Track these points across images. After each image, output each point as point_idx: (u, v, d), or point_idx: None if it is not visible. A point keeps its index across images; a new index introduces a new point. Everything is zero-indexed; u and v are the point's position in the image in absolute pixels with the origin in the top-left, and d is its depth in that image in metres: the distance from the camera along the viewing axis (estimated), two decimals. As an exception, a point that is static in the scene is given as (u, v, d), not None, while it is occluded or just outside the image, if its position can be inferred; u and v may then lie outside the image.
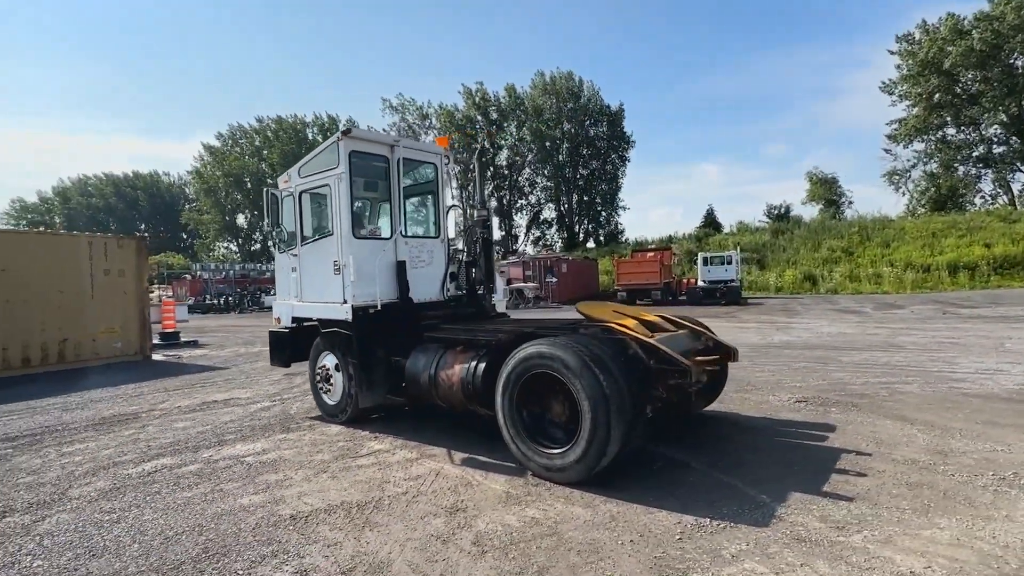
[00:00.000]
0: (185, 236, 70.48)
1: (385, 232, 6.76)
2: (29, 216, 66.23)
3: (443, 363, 5.46)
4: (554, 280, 31.97)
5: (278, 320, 7.25)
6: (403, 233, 6.62)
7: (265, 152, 59.01)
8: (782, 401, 6.79)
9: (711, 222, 51.58)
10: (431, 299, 6.92)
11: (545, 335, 4.77)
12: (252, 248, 65.60)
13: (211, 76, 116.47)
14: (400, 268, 6.49)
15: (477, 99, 55.54)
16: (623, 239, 56.36)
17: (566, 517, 3.75)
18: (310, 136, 61.16)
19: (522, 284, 31.56)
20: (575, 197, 59.11)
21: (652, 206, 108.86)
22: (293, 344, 6.97)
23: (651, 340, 4.69)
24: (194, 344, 15.97)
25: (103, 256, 12.32)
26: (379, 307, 6.15)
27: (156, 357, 13.37)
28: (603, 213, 59.95)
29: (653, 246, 36.87)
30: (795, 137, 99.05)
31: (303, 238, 6.74)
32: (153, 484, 4.64)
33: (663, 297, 28.30)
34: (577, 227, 59.70)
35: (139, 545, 3.52)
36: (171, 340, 16.19)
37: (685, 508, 3.79)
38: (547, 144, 55.72)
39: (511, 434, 4.67)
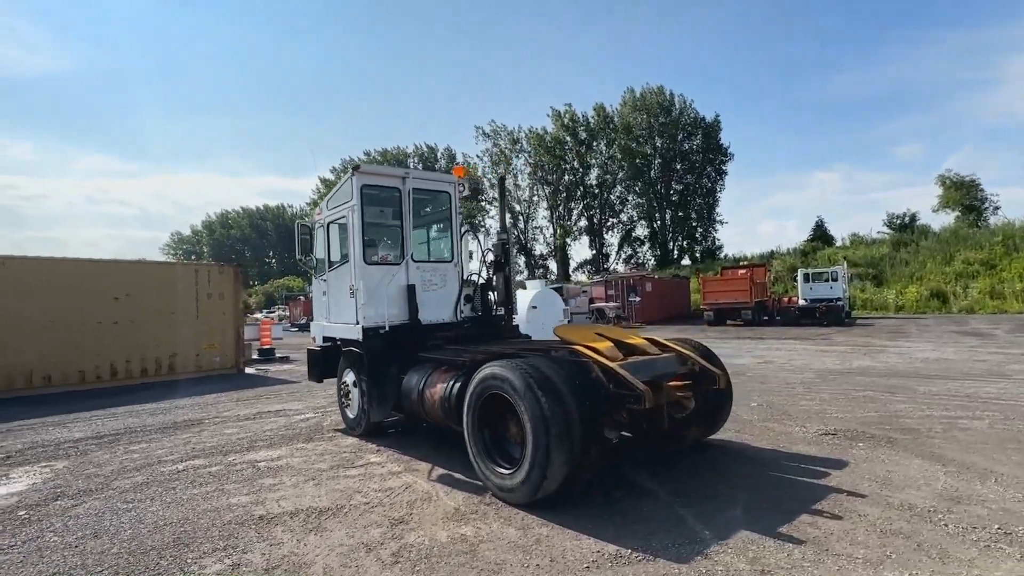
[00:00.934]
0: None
1: (393, 258, 7.25)
2: (184, 247, 77.68)
3: (429, 382, 5.76)
4: (637, 299, 31.16)
5: (314, 339, 8.02)
6: (413, 258, 7.07)
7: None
8: (807, 433, 6.25)
9: (821, 235, 47.45)
10: (444, 320, 7.28)
11: (513, 357, 4.90)
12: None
13: (324, 118, 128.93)
14: (410, 291, 6.94)
15: (566, 120, 56.19)
16: (721, 255, 53.58)
17: (493, 537, 3.84)
18: (411, 165, 65.34)
19: (603, 304, 31.15)
20: (669, 213, 57.34)
21: (760, 219, 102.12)
22: (325, 362, 7.65)
23: (610, 363, 4.64)
24: (285, 359, 17.74)
25: (207, 282, 14.23)
26: (387, 328, 6.61)
27: (248, 370, 15.07)
28: (699, 229, 57.48)
29: (746, 263, 34.65)
30: (932, 136, 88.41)
31: (330, 264, 7.45)
32: (176, 481, 5.39)
33: (755, 317, 26.50)
34: (671, 244, 57.74)
35: (132, 531, 4.16)
36: (267, 355, 18.12)
37: (617, 538, 3.72)
38: (638, 161, 54.81)
39: (473, 452, 4.83)
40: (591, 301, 32.75)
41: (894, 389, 8.70)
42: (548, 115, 58.10)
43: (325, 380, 7.93)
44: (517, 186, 62.42)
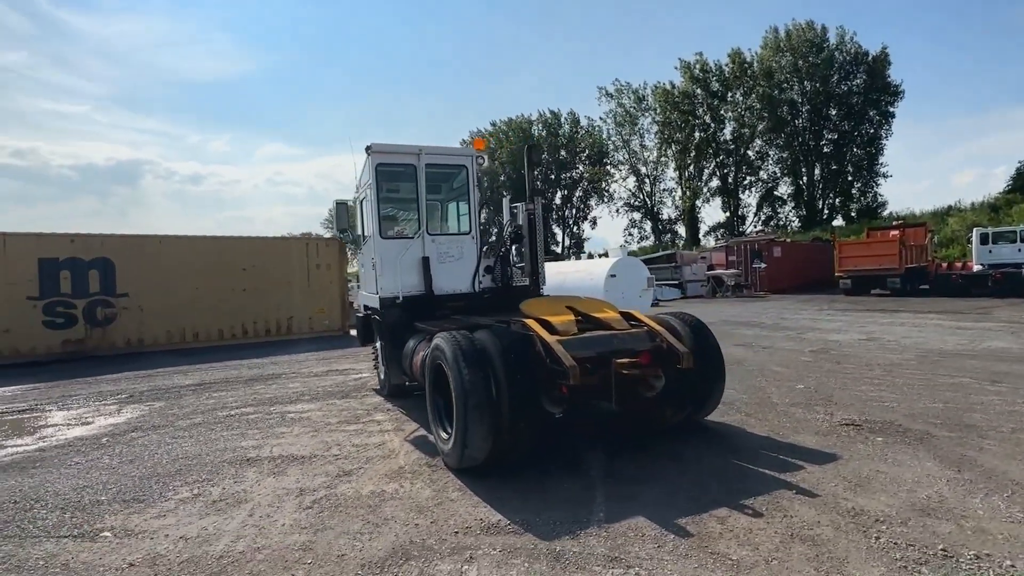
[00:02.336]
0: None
1: (411, 232, 7.64)
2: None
3: (416, 349, 6.15)
4: (762, 266, 28.49)
5: (361, 307, 8.86)
6: (429, 231, 7.43)
7: (496, 153, 65.48)
8: (828, 422, 5.54)
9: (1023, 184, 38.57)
10: (461, 291, 7.58)
11: (465, 328, 5.06)
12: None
13: (453, 92, 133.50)
14: (424, 263, 7.33)
15: (696, 71, 51.90)
16: (884, 213, 46.25)
17: (406, 496, 4.15)
18: (535, 133, 65.58)
19: (722, 271, 29.00)
20: (818, 168, 50.68)
21: (953, 168, 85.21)
22: (366, 327, 8.44)
23: (548, 338, 4.59)
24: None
25: (315, 254, 16.15)
26: (401, 298, 7.11)
27: (353, 332, 16.92)
28: (856, 184, 50.04)
29: (899, 221, 29.56)
30: None
31: (363, 239, 8.12)
32: (219, 424, 6.51)
33: (903, 286, 22.78)
34: (820, 202, 51.17)
35: (155, 461, 5.21)
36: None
37: (511, 510, 3.81)
38: (781, 110, 48.95)
39: (429, 417, 5.14)
40: (710, 268, 30.69)
41: (1003, 377, 7.17)
42: (676, 67, 54.17)
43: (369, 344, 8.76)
44: (643, 147, 59.69)
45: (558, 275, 17.02)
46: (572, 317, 5.25)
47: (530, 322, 4.96)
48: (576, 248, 70.19)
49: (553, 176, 66.57)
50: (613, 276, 15.05)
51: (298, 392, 8.19)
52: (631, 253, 18.64)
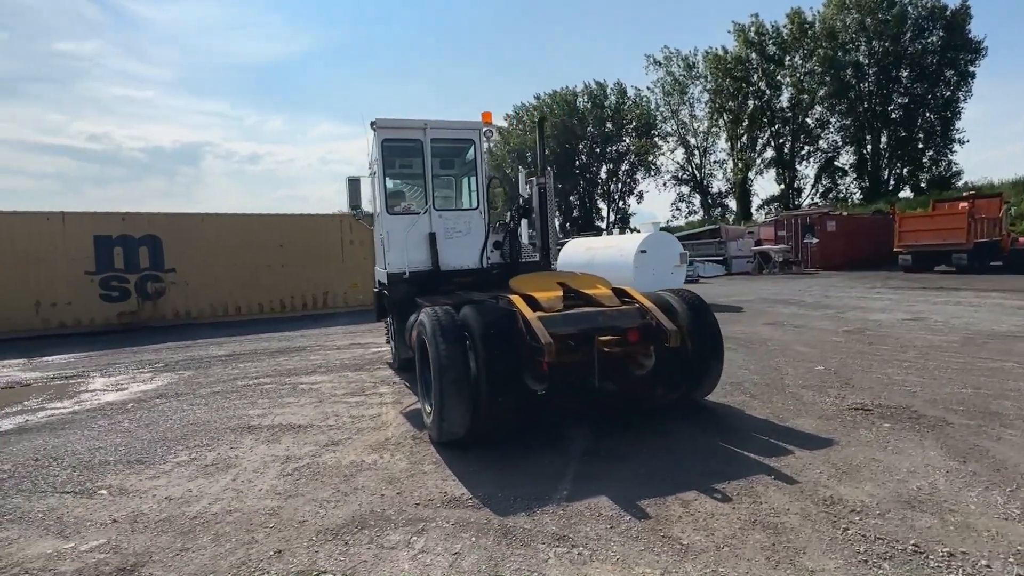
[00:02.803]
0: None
1: (417, 207, 7.66)
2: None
3: (412, 324, 6.21)
4: (814, 241, 27.03)
5: (376, 282, 9.01)
6: (436, 207, 7.42)
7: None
8: (836, 405, 5.24)
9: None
10: (468, 267, 7.57)
11: (457, 304, 5.06)
12: (532, 216, 73.11)
13: (496, 65, 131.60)
14: (431, 239, 7.35)
15: (751, 35, 48.98)
16: (959, 183, 42.70)
17: (382, 467, 4.24)
18: (580, 105, 64.09)
19: (769, 247, 27.72)
20: (884, 135, 47.16)
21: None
22: (379, 302, 8.60)
23: (528, 314, 4.52)
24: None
25: (349, 230, 16.53)
26: (407, 274, 7.18)
27: (386, 307, 17.33)
28: (928, 152, 46.33)
29: (971, 192, 27.17)
30: None
31: (376, 214, 8.21)
32: (234, 393, 6.84)
33: (971, 263, 21.07)
34: (886, 172, 47.78)
35: (167, 426, 5.54)
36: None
37: (477, 484, 3.83)
38: (845, 73, 45.65)
39: (419, 391, 5.21)
40: (757, 243, 29.42)
41: (1053, 362, 6.55)
42: (729, 31, 51.30)
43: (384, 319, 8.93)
44: (693, 117, 57.31)
45: (588, 251, 16.76)
46: (560, 293, 5.15)
47: (514, 298, 4.90)
48: (622, 223, 68.93)
49: (598, 150, 65.13)
50: (643, 252, 14.63)
51: (316, 364, 8.49)
52: (663, 228, 18.04)
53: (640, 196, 66.66)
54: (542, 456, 4.33)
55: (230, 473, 4.22)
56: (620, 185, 67.72)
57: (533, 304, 4.88)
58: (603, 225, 69.47)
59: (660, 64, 55.95)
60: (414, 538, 3.12)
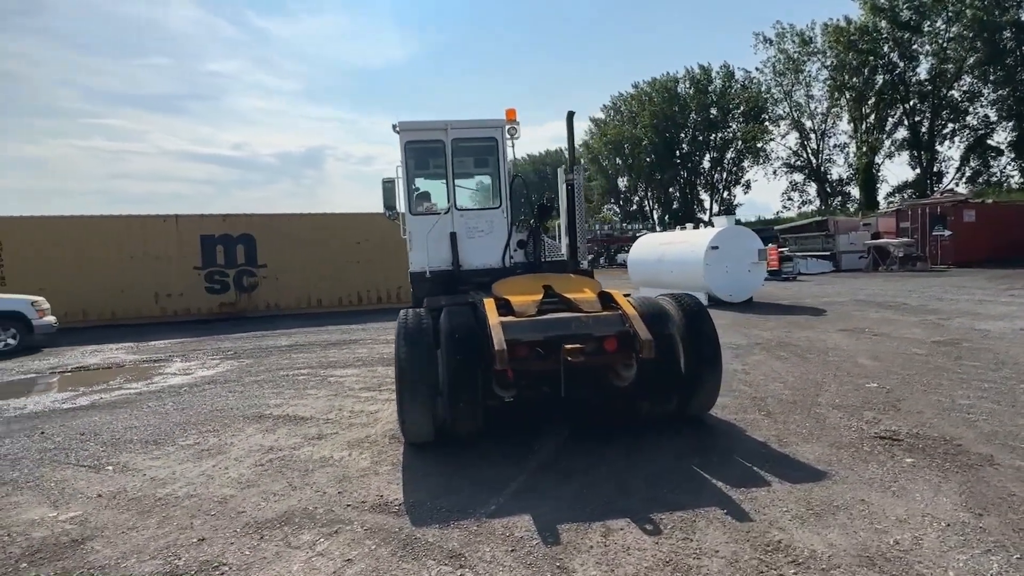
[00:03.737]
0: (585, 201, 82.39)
1: (441, 207, 7.71)
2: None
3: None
4: (944, 234, 23.52)
5: (412, 281, 9.27)
6: (457, 206, 7.46)
7: (636, 116, 62.51)
8: (860, 431, 4.55)
9: None
10: (490, 266, 7.53)
11: (443, 306, 5.07)
12: (630, 209, 71.23)
13: (593, 58, 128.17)
14: (452, 239, 7.41)
15: (880, 1, 43.46)
16: None
17: (345, 464, 4.39)
18: (681, 91, 61.13)
19: (888, 240, 24.55)
20: (1053, 106, 39.65)
21: None
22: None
23: (492, 319, 4.40)
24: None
25: (421, 228, 17.16)
26: (428, 273, 7.31)
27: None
28: (1114, 124, 38.26)
29: None
30: None
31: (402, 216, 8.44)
32: (269, 382, 7.42)
33: None
34: (1055, 151, 40.18)
35: (197, 410, 6.15)
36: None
37: (419, 489, 3.84)
38: (1001, 35, 39.04)
39: (401, 390, 5.29)
40: (875, 236, 26.20)
41: None
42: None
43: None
44: (810, 97, 52.26)
45: (659, 247, 15.96)
46: (538, 297, 4.96)
47: (487, 301, 4.80)
48: (726, 215, 64.77)
49: (700, 138, 61.68)
50: (715, 248, 13.62)
51: (357, 358, 8.95)
52: (738, 222, 16.63)
53: (747, 186, 62.20)
54: (497, 465, 4.22)
55: (216, 459, 4.59)
56: (725, 175, 63.70)
57: (506, 308, 4.75)
58: (705, 218, 65.89)
59: (771, 42, 51.59)
60: (321, 540, 3.19)
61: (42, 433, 5.49)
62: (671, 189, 66.44)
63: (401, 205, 7.82)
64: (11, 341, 10.51)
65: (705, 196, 65.30)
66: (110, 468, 4.49)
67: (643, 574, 2.73)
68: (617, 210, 74.42)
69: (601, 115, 69.38)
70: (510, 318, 4.58)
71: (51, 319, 11.21)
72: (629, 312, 4.56)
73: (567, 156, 7.96)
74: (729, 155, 62.24)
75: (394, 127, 7.28)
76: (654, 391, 4.65)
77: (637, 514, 3.32)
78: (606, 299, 4.94)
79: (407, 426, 4.42)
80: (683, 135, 62.85)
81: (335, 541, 3.17)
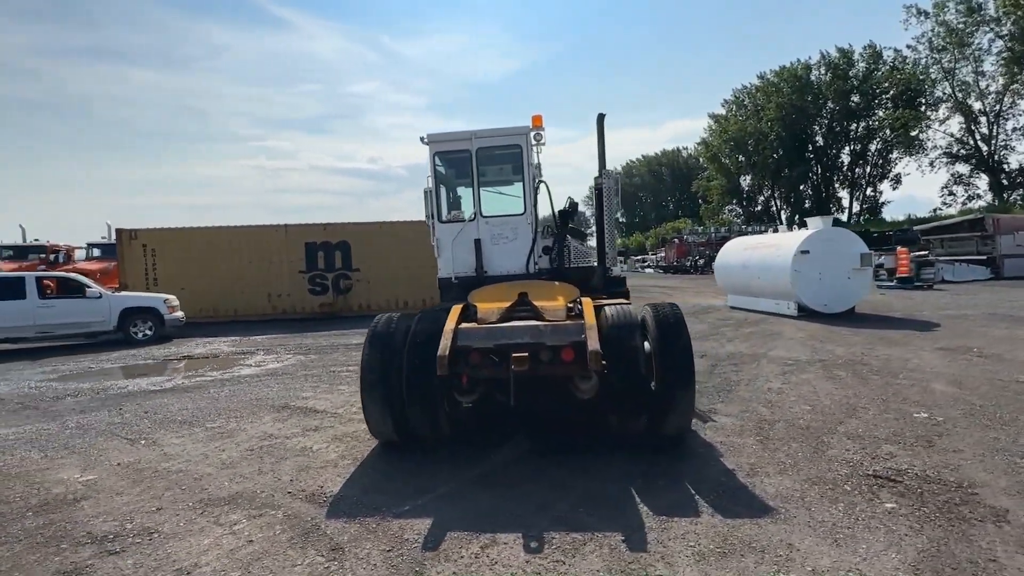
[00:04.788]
0: (701, 203, 77.91)
1: (468, 215, 7.87)
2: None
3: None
4: None
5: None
6: (483, 213, 7.61)
7: (761, 110, 57.94)
8: (854, 467, 3.93)
9: None
10: (514, 272, 7.58)
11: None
12: (754, 209, 66.19)
13: (716, 51, 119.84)
14: (476, 246, 7.58)
15: (1075, -49, 35.86)
16: None
17: (313, 455, 4.74)
18: (814, 79, 55.62)
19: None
20: None
21: None
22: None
23: (448, 325, 4.50)
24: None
25: (501, 234, 17.57)
26: (454, 279, 7.56)
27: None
28: None
29: None
30: None
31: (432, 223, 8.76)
32: (313, 377, 8.14)
33: None
34: None
35: (239, 400, 6.96)
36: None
37: (354, 487, 4.06)
38: None
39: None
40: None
41: None
42: (1038, -47, 38.38)
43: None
44: (979, 74, 44.70)
45: (745, 252, 14.72)
46: (506, 304, 4.94)
47: (454, 308, 4.89)
48: (870, 214, 57.41)
49: (838, 128, 55.45)
50: (805, 253, 12.22)
51: (404, 357, 9.46)
52: (836, 222, 14.63)
53: (897, 180, 54.78)
54: (443, 468, 4.30)
55: (221, 442, 5.21)
56: (869, 168, 56.61)
57: (471, 315, 4.81)
58: (844, 217, 59.11)
59: (926, 15, 44.95)
60: (244, 521, 3.52)
61: (120, 409, 6.61)
62: (802, 187, 60.51)
63: (430, 213, 8.18)
64: (148, 332, 12.65)
65: (843, 193, 58.65)
66: (143, 442, 5.30)
67: (490, 591, 2.67)
68: (740, 211, 69.43)
69: (722, 111, 65.19)
70: (468, 325, 4.65)
71: (179, 314, 13.30)
72: (589, 322, 4.39)
73: (598, 158, 7.80)
74: (874, 146, 55.28)
75: (422, 139, 7.62)
76: (620, 407, 4.41)
77: (535, 530, 3.22)
78: (576, 308, 4.79)
79: (370, 425, 4.66)
80: (816, 127, 57.04)
81: (254, 523, 3.48)
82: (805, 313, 12.53)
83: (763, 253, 13.67)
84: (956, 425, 4.73)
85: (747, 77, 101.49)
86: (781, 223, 58.50)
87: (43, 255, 19.55)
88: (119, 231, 16.52)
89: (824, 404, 5.56)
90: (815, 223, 13.38)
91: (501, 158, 7.87)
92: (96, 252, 20.30)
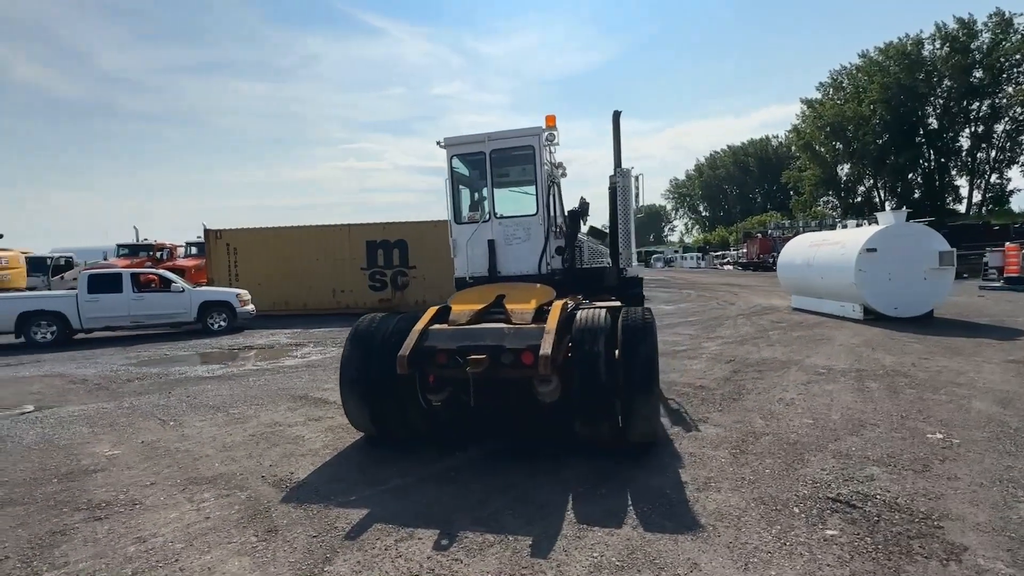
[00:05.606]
0: (792, 195, 72.65)
1: (483, 216, 7.97)
2: (680, 191, 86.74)
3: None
4: None
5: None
6: (496, 215, 7.72)
7: (863, 92, 53.07)
8: (819, 488, 3.66)
9: None
10: (526, 273, 7.63)
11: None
12: (853, 201, 60.89)
13: (809, 29, 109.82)
14: (490, 246, 7.70)
15: None
16: None
17: (303, 441, 5.11)
18: (926, 53, 50.20)
19: None
20: None
21: None
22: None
23: (417, 326, 4.68)
24: (641, 298, 19.45)
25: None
26: (468, 279, 7.74)
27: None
28: None
29: None
30: None
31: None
32: (331, 370, 8.53)
33: None
34: None
35: (270, 388, 7.57)
36: (628, 293, 20.32)
37: (320, 475, 4.35)
38: None
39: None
40: None
41: None
42: None
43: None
44: None
45: (808, 249, 13.66)
46: (479, 306, 5.04)
47: (431, 310, 5.06)
48: (994, 204, 50.82)
49: (955, 109, 49.58)
50: (871, 251, 11.14)
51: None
52: (910, 217, 13.03)
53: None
54: (407, 463, 4.49)
55: (233, 427, 5.75)
56: (994, 153, 50.24)
57: (443, 316, 4.96)
58: (962, 208, 52.98)
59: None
60: (211, 499, 3.91)
61: (169, 394, 7.44)
62: (910, 175, 54.85)
63: (449, 214, 8.40)
64: (222, 323, 14.00)
65: (962, 182, 52.53)
66: (171, 424, 5.97)
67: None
68: (836, 203, 64.06)
69: (817, 95, 60.42)
70: (439, 326, 4.80)
71: (250, 307, 14.58)
72: (549, 326, 4.39)
73: (614, 156, 7.68)
74: (1001, 127, 49.01)
75: (439, 143, 7.85)
76: (582, 412, 4.37)
77: (455, 528, 3.32)
78: (542, 310, 4.79)
79: (349, 418, 4.95)
80: (929, 108, 51.44)
81: (218, 502, 3.86)
82: (872, 317, 11.46)
83: (827, 251, 12.64)
84: (971, 450, 4.22)
85: (846, 57, 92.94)
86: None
87: (151, 253, 22.12)
88: (207, 231, 18.32)
89: (831, 419, 5.14)
90: (885, 218, 12.17)
91: (515, 159, 7.93)
92: (193, 250, 22.65)
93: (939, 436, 4.54)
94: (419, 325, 4.72)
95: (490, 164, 7.51)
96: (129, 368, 9.47)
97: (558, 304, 4.83)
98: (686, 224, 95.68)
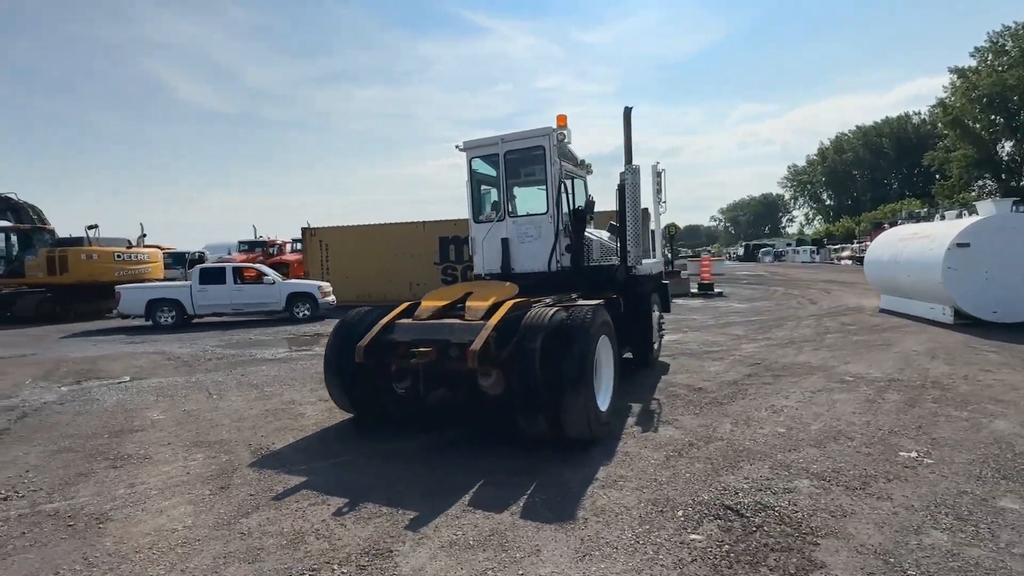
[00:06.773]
0: (937, 179, 63.46)
1: (498, 215, 8.21)
2: (800, 178, 79.22)
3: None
4: None
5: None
6: (510, 213, 7.98)
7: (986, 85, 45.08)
8: (721, 494, 3.58)
9: None
10: (537, 270, 7.81)
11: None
12: (1019, 184, 52.14)
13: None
14: (503, 244, 7.98)
15: None
16: None
17: (302, 417, 5.82)
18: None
19: None
20: None
21: None
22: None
23: (382, 321, 5.15)
24: (719, 295, 18.53)
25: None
26: (485, 276, 8.10)
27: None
28: None
29: None
30: None
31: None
32: (383, 357, 9.42)
33: None
34: None
35: (301, 372, 8.50)
36: (705, 290, 19.41)
37: (298, 449, 4.99)
38: None
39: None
40: None
41: None
42: None
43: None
44: None
45: (897, 243, 12.21)
46: (442, 303, 5.39)
47: (401, 305, 5.50)
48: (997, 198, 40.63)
49: None
50: (963, 246, 9.72)
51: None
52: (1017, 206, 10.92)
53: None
54: (370, 443, 4.98)
55: (259, 403, 6.64)
56: None
57: (410, 312, 5.39)
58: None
59: None
60: (199, 461, 4.69)
61: (231, 372, 8.67)
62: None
63: (469, 214, 8.78)
64: (306, 312, 15.67)
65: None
66: (215, 397, 7.03)
67: (287, 540, 3.28)
68: (995, 187, 55.08)
69: (972, 61, 52.21)
70: (405, 320, 5.23)
71: (331, 298, 16.15)
72: (489, 323, 4.64)
73: (624, 152, 7.64)
74: None
75: (457, 147, 8.27)
76: (520, 407, 4.56)
77: (361, 500, 3.73)
78: (496, 307, 5.02)
79: (333, 400, 5.57)
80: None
81: (204, 462, 4.63)
82: (966, 321, 10.06)
83: (916, 246, 11.24)
84: (936, 471, 3.80)
85: (1009, 15, 78.86)
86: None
87: (264, 248, 25.11)
88: (303, 229, 20.45)
89: (808, 429, 4.81)
90: (985, 207, 10.55)
91: (527, 160, 8.13)
92: (297, 246, 25.33)
93: (912, 455, 4.11)
94: (385, 319, 5.19)
95: (504, 165, 7.79)
96: (216, 349, 11.06)
97: (509, 303, 5.04)
98: (807, 215, 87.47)
